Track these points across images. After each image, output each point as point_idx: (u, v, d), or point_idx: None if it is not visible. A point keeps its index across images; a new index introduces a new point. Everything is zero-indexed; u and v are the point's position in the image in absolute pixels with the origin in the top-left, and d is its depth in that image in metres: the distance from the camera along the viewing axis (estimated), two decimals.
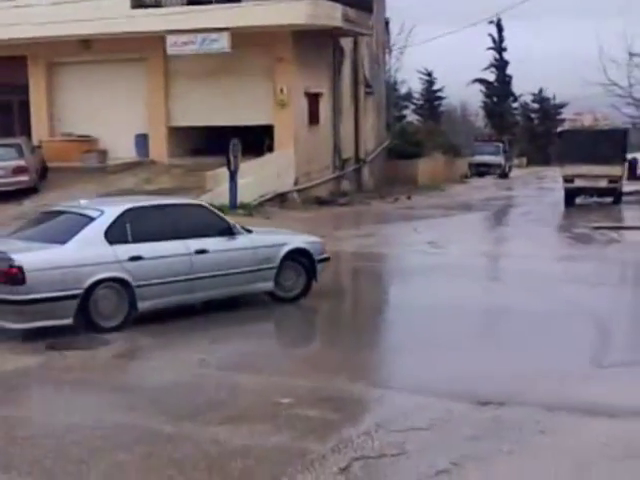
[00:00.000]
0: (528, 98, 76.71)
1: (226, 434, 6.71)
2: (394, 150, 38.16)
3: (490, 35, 73.07)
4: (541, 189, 39.01)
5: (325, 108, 29.94)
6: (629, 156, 32.63)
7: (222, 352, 9.65)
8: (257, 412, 7.37)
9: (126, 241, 10.56)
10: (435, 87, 75.96)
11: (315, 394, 7.82)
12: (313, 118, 28.97)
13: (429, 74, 75.07)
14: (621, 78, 38.40)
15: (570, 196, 28.91)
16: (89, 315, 10.15)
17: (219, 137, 25.07)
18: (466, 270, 15.41)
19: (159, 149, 28.53)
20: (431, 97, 76.01)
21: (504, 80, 75.15)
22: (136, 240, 10.64)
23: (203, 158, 26.85)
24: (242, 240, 11.65)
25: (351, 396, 7.89)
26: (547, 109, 75.79)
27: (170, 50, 26.61)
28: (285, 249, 12.05)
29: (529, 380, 8.19)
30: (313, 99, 28.93)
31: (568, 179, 28.66)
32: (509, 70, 74.69)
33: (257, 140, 26.23)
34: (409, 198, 31.09)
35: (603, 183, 28.33)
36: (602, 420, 7.10)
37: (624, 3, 71.50)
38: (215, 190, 23.05)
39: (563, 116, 61.59)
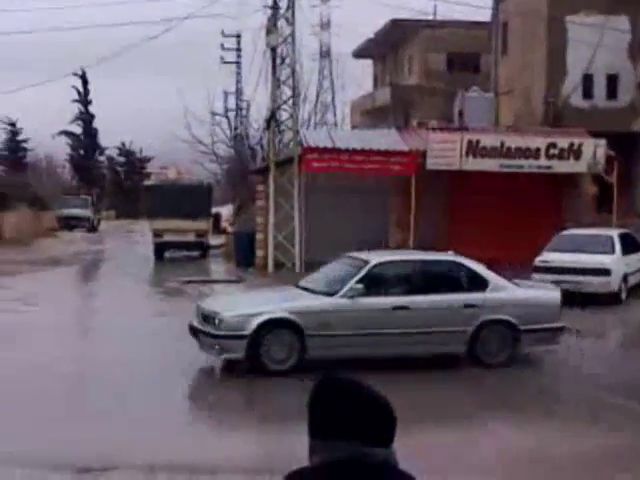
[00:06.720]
0: (114, 152, 77.11)
1: None
2: None
3: (75, 87, 72.40)
4: (131, 242, 39.38)
5: None
6: (213, 210, 34.16)
7: None
8: None
9: None
10: (20, 137, 73.52)
11: None
12: None
13: (12, 124, 72.55)
14: (205, 136, 40.13)
15: (159, 250, 29.50)
16: None
17: None
18: (58, 328, 15.10)
19: None
20: (15, 148, 73.41)
21: (90, 133, 74.80)
22: None
23: None
24: None
25: None
26: (133, 162, 76.68)
27: None
28: None
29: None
30: None
31: (157, 233, 29.24)
32: (95, 124, 74.55)
33: None
34: None
35: (191, 237, 29.34)
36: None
37: (206, 66, 75.58)
38: None
39: (149, 170, 62.77)
